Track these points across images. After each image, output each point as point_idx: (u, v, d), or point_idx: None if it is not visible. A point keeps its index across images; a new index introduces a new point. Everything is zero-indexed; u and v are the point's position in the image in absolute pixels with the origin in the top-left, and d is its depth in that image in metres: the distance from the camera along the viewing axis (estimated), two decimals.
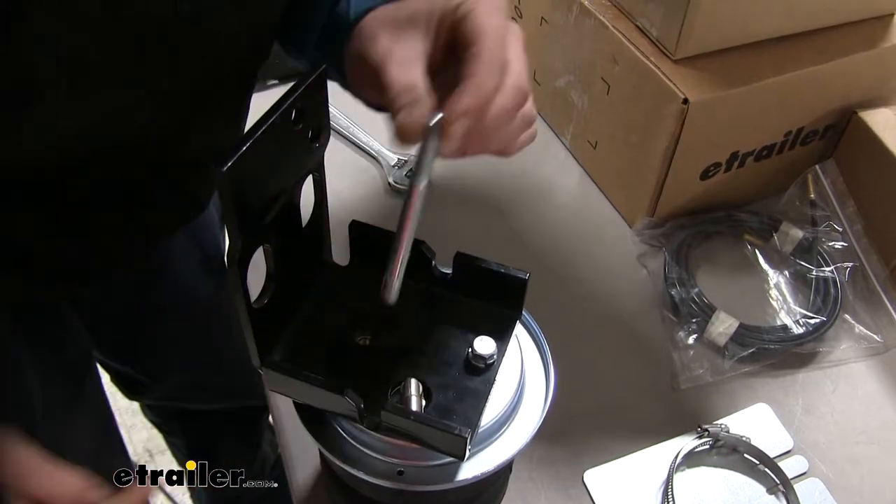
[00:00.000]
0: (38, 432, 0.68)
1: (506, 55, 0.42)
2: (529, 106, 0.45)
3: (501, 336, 0.47)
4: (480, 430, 0.44)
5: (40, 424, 0.68)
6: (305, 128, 0.42)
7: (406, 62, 0.42)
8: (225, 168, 0.34)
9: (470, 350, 0.45)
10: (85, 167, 0.50)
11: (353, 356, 0.47)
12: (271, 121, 0.37)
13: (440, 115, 0.39)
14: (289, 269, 0.45)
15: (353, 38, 0.47)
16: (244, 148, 0.35)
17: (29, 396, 0.66)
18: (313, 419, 0.46)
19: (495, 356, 0.45)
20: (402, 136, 0.40)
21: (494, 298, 0.48)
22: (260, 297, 0.43)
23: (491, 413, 0.45)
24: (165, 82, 0.49)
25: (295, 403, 0.46)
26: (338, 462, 0.45)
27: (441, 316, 0.48)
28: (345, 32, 0.48)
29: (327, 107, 0.44)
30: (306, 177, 0.45)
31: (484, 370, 0.45)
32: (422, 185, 0.39)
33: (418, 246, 0.47)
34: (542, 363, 0.50)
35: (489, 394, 0.44)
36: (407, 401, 0.43)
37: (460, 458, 0.42)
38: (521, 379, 0.47)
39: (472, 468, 0.44)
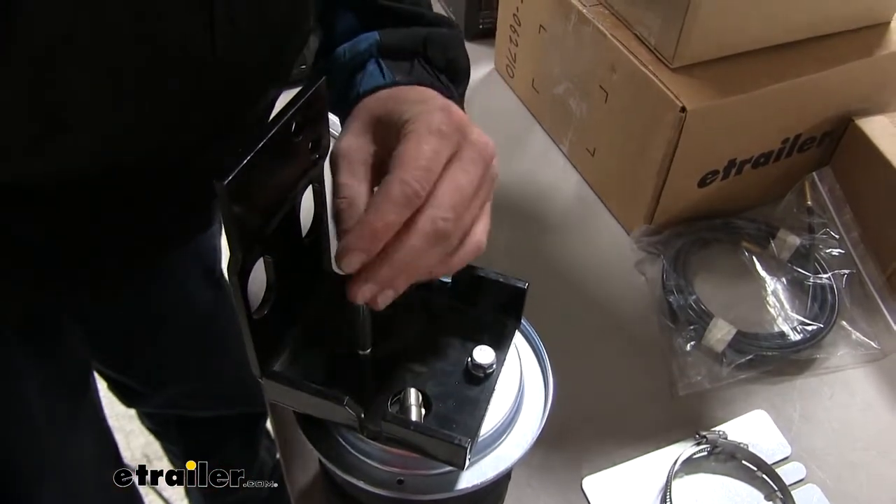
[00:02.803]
0: (42, 442, 0.68)
1: (419, 188, 0.39)
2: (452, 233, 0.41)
3: (500, 345, 0.47)
4: (480, 438, 0.44)
5: (44, 434, 0.68)
6: (305, 139, 0.42)
7: (356, 165, 0.43)
8: (226, 182, 0.35)
9: (469, 359, 0.45)
10: (95, 184, 0.50)
11: (353, 366, 0.47)
12: (271, 133, 0.38)
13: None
14: (289, 279, 0.45)
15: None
16: (245, 161, 0.36)
17: (30, 407, 0.67)
18: (313, 428, 0.46)
19: (494, 365, 0.46)
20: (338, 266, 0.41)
21: (493, 307, 0.49)
22: (260, 308, 0.44)
23: (490, 422, 0.45)
24: (190, 115, 0.49)
25: (295, 412, 0.46)
26: (338, 471, 0.45)
27: (440, 325, 0.49)
28: (352, 103, 0.50)
29: (327, 118, 0.44)
30: (306, 187, 0.45)
31: (483, 379, 0.45)
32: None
33: None
34: (540, 371, 0.50)
35: (489, 403, 0.45)
36: (407, 410, 0.43)
37: (460, 467, 0.42)
38: (520, 387, 0.47)
39: (472, 477, 0.44)
